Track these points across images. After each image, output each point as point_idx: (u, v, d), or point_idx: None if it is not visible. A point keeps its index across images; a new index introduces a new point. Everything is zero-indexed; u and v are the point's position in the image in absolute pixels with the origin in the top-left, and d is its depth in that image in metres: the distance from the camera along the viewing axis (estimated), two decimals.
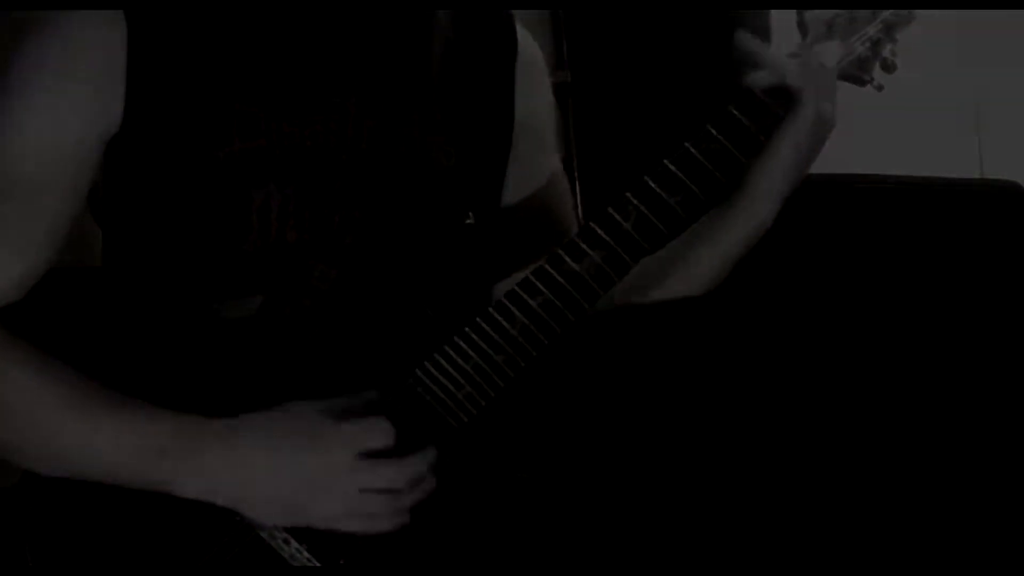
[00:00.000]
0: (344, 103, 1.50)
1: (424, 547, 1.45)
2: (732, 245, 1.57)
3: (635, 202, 1.46)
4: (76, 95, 1.44)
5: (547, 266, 1.46)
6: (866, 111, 2.19)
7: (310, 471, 1.39)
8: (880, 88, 1.54)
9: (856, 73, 1.53)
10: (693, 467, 1.79)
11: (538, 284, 1.46)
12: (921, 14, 1.55)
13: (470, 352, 1.46)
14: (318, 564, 1.41)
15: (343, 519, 1.41)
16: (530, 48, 1.62)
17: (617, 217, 1.46)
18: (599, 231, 1.46)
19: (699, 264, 1.59)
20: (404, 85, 1.53)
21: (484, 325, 1.46)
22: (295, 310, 1.48)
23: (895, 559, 1.96)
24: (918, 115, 2.58)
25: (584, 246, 1.46)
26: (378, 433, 1.41)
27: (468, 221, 1.56)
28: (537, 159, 1.63)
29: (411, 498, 1.42)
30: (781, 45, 1.54)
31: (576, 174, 2.69)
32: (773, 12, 2.43)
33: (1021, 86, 2.59)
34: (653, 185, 1.47)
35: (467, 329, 1.46)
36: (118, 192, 1.49)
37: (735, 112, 1.48)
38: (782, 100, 1.50)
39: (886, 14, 1.52)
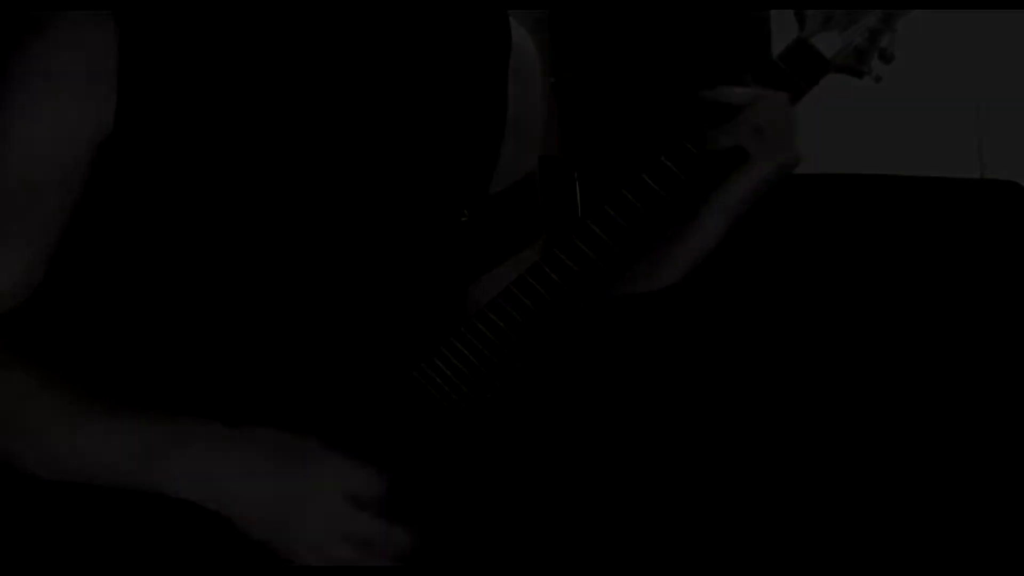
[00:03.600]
0: (339, 101, 1.49)
1: (422, 547, 1.45)
2: (684, 260, 1.59)
3: (631, 199, 1.47)
4: (67, 99, 1.43)
5: (543, 264, 1.46)
6: (866, 111, 2.19)
7: (295, 498, 1.39)
8: (878, 79, 1.54)
9: (854, 64, 1.53)
10: (687, 462, 1.79)
11: (534, 283, 1.46)
12: (922, 14, 1.54)
13: (465, 352, 1.45)
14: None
15: (310, 555, 1.40)
16: (523, 45, 1.62)
17: (613, 214, 1.46)
18: (595, 229, 1.46)
19: (653, 275, 1.60)
20: (399, 82, 1.52)
21: (480, 324, 1.46)
22: (293, 310, 1.48)
23: (888, 555, 1.97)
24: (918, 115, 2.58)
25: (580, 244, 1.46)
26: (371, 483, 1.41)
27: (463, 219, 1.55)
28: (519, 157, 1.63)
29: (383, 559, 1.41)
30: (779, 40, 1.54)
31: (576, 174, 2.68)
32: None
33: (1021, 86, 2.59)
34: (650, 182, 1.47)
35: (463, 329, 1.46)
36: (113, 193, 1.48)
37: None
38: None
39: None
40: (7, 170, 1.44)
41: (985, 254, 2.06)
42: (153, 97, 1.44)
